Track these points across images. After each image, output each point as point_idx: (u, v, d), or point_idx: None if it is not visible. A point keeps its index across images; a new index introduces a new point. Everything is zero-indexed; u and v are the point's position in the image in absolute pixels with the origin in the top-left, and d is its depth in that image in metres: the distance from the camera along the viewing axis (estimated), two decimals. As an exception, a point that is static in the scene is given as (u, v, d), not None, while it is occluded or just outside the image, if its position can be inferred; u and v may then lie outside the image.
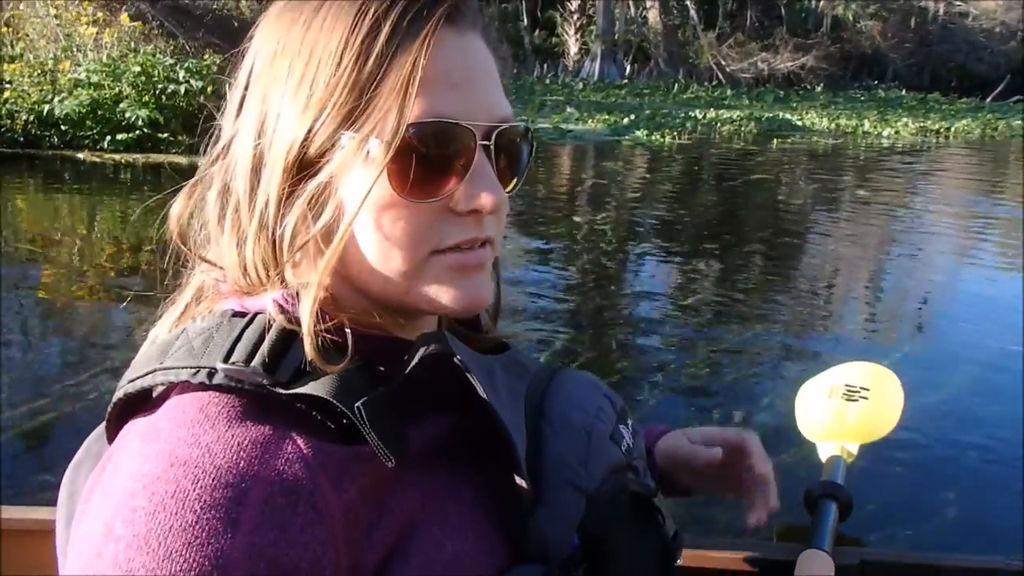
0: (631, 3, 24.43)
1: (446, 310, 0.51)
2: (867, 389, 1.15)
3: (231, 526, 0.39)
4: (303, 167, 0.48)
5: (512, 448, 0.48)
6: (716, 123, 13.75)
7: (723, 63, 23.10)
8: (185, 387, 0.46)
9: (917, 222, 6.88)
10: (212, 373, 0.45)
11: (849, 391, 1.15)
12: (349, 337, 0.47)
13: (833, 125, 14.73)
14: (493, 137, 0.50)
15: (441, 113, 0.48)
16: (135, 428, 0.46)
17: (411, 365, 0.47)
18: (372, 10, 0.47)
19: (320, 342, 0.46)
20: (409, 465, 0.46)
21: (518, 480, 0.49)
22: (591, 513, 0.51)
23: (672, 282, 4.93)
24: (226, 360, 0.45)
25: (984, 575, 0.95)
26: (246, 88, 0.51)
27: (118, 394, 0.48)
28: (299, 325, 0.47)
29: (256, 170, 0.49)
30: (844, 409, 1.14)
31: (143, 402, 0.48)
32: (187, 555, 0.38)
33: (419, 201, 0.48)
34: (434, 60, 0.47)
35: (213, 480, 0.40)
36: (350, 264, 0.50)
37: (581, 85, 21.09)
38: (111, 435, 0.49)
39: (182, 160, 7.69)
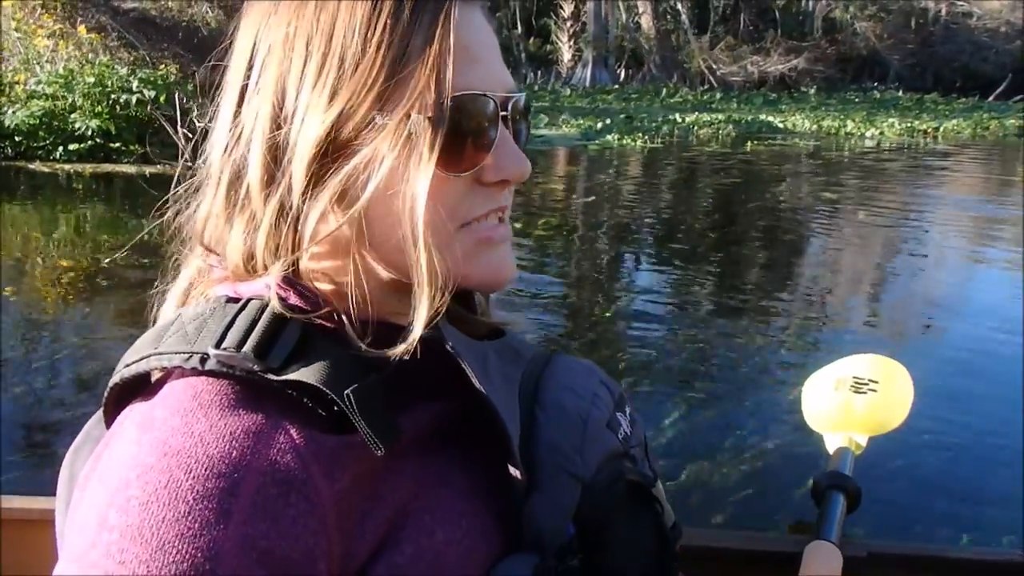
0: (623, 9, 24.38)
1: (476, 284, 0.52)
2: (875, 382, 1.13)
3: (223, 517, 0.39)
4: (334, 150, 0.47)
5: (506, 435, 0.48)
6: (694, 126, 13.64)
7: (714, 67, 22.95)
8: (180, 373, 0.46)
9: (849, 220, 6.81)
10: (204, 359, 0.45)
11: (857, 383, 1.13)
12: (347, 324, 0.47)
13: (815, 127, 14.56)
14: (510, 106, 0.51)
15: (470, 85, 0.48)
16: (131, 415, 0.46)
17: (400, 351, 0.47)
18: None
19: (313, 327, 0.47)
20: (401, 453, 0.46)
21: (512, 467, 0.48)
22: (587, 501, 0.50)
23: (607, 281, 4.83)
24: (218, 345, 0.45)
25: (991, 567, 0.93)
26: (248, 78, 0.50)
27: (115, 379, 0.48)
28: (292, 311, 0.47)
29: (275, 158, 0.48)
30: (851, 401, 1.11)
31: (142, 386, 0.48)
32: (180, 546, 0.38)
33: (455, 174, 0.48)
34: (458, 34, 0.48)
35: (206, 470, 0.40)
36: (376, 243, 0.49)
37: (568, 91, 21.05)
38: (109, 419, 0.49)
39: (131, 169, 7.67)
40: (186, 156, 0.55)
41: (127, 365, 0.48)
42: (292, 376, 0.44)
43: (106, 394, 0.49)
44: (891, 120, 15.53)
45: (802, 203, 7.79)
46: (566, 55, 24.93)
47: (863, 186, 8.69)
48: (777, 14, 25.94)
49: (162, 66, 9.10)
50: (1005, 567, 0.93)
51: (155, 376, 0.48)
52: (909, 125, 15.16)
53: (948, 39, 32.90)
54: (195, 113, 7.46)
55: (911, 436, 2.45)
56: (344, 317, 0.47)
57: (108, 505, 0.40)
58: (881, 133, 14.25)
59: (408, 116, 0.46)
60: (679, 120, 14.14)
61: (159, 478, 0.40)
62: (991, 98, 24.78)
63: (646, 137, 12.13)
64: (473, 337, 0.53)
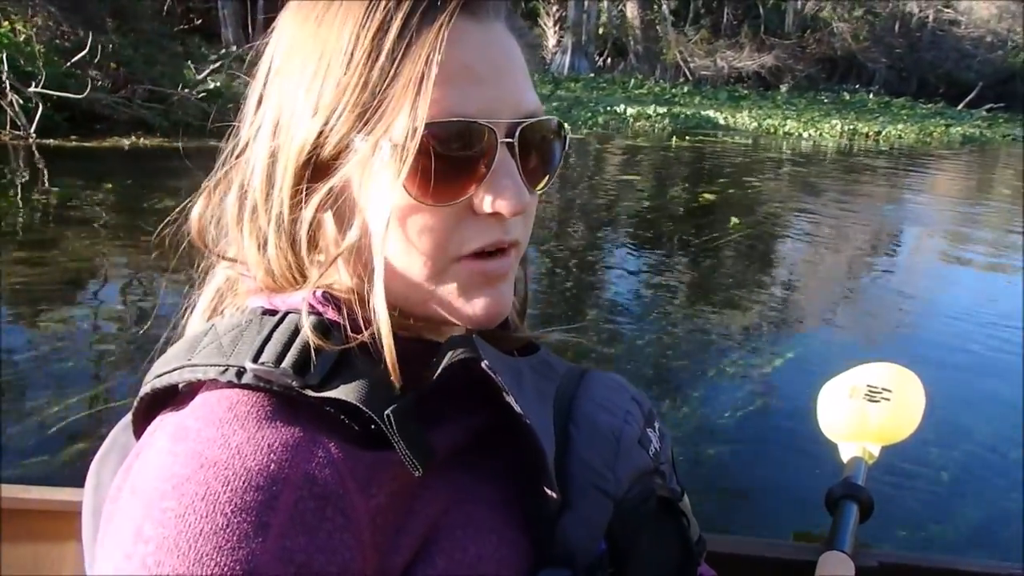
0: (605, -3, 24.52)
1: (467, 321, 0.50)
2: (889, 390, 1.15)
3: (261, 530, 0.39)
4: (316, 169, 0.48)
5: (540, 452, 0.48)
6: (631, 119, 13.98)
7: (688, 60, 23.23)
8: (213, 384, 0.46)
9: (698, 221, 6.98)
10: (241, 372, 0.45)
11: (871, 391, 1.15)
12: (387, 342, 0.47)
13: (756, 125, 14.93)
14: (517, 134, 0.48)
15: (459, 111, 0.46)
16: (163, 425, 0.46)
17: (439, 371, 0.47)
18: (384, 4, 0.46)
19: (350, 342, 0.47)
20: (435, 468, 0.46)
21: (545, 484, 0.48)
22: (618, 518, 0.51)
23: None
24: (255, 360, 0.45)
25: None
26: (264, 85, 0.50)
27: (145, 388, 0.48)
28: (329, 327, 0.47)
29: (272, 171, 0.49)
30: (866, 410, 1.13)
31: (170, 397, 0.49)
32: (217, 559, 0.38)
33: (438, 205, 0.47)
34: (452, 54, 0.45)
35: (244, 483, 0.40)
36: (374, 269, 0.48)
37: (535, 77, 21.21)
38: (138, 430, 0.49)
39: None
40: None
41: (158, 376, 0.48)
42: (332, 394, 0.44)
43: (136, 404, 0.49)
44: (834, 122, 15.90)
45: (668, 199, 7.97)
46: (551, 40, 25.14)
47: (749, 186, 8.98)
48: (761, 10, 26.13)
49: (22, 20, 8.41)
50: None
51: (182, 387, 0.48)
52: (851, 128, 15.55)
53: (934, 45, 32.99)
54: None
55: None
56: (380, 334, 0.47)
57: (143, 517, 0.40)
58: (820, 135, 14.64)
59: (381, 141, 0.45)
60: (620, 112, 14.51)
61: (195, 490, 0.40)
62: (961, 106, 24.98)
63: (575, 127, 12.44)
64: (506, 352, 0.53)
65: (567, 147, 0.54)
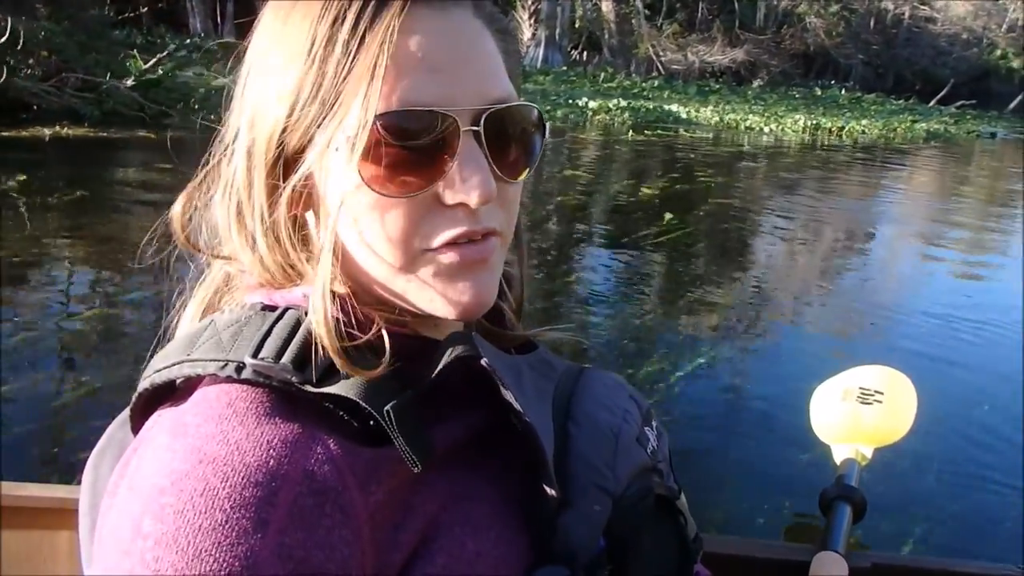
0: (579, -10, 24.40)
1: (448, 311, 0.49)
2: (881, 393, 1.17)
3: (261, 526, 0.39)
4: (286, 165, 0.47)
5: (540, 449, 0.48)
6: (589, 113, 13.89)
7: (660, 55, 23.16)
8: (211, 379, 0.46)
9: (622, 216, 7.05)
10: (240, 368, 0.45)
11: (864, 394, 1.17)
12: (385, 337, 0.47)
13: (717, 119, 14.88)
14: (483, 121, 0.47)
15: (415, 100, 0.45)
16: (161, 421, 0.46)
17: (439, 368, 0.47)
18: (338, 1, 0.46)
19: (348, 339, 0.46)
20: (434, 465, 0.46)
21: (545, 482, 0.48)
22: (618, 515, 0.51)
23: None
24: (255, 355, 0.45)
25: None
26: (244, 84, 0.50)
27: (144, 384, 0.48)
28: (329, 322, 0.46)
29: (250, 168, 0.49)
30: (858, 412, 1.15)
31: (167, 392, 0.48)
32: (216, 554, 0.38)
33: (400, 196, 0.46)
34: (407, 43, 0.45)
35: (243, 479, 0.40)
36: (351, 264, 0.49)
37: (506, 70, 21.05)
38: (136, 425, 0.49)
39: None
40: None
41: (157, 371, 0.48)
42: (331, 390, 0.44)
43: (134, 399, 0.49)
44: (797, 117, 15.87)
45: (607, 195, 7.89)
46: (525, 33, 25.00)
47: (698, 181, 8.91)
48: (736, 6, 26.11)
49: None
50: None
51: (179, 382, 0.48)
52: (815, 123, 15.53)
53: (910, 42, 33.15)
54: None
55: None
56: (383, 330, 0.47)
57: (142, 513, 0.40)
58: (782, 129, 14.60)
59: (335, 134, 0.45)
60: (581, 105, 14.42)
61: (195, 485, 0.39)
62: (933, 102, 25.08)
63: None
64: (505, 350, 0.53)
65: (545, 134, 0.53)
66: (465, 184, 0.46)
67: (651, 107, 15.22)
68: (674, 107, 15.61)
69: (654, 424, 0.61)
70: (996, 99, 27.93)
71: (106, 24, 11.72)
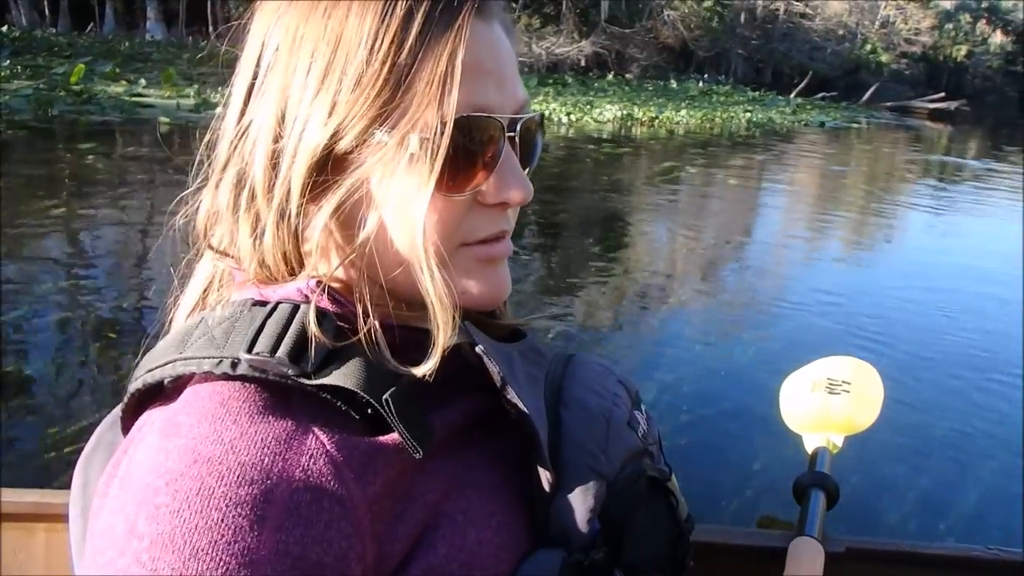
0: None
1: (474, 302, 0.51)
2: (848, 383, 1.18)
3: (258, 523, 0.38)
4: (332, 163, 0.47)
5: (535, 434, 0.49)
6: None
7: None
8: (202, 378, 0.46)
9: None
10: (235, 363, 0.44)
11: (831, 384, 1.17)
12: (378, 327, 0.47)
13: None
14: (518, 128, 0.49)
15: (477, 106, 0.47)
16: (151, 421, 0.45)
17: (436, 356, 0.47)
18: (403, 1, 0.46)
19: (344, 332, 0.47)
20: (432, 454, 0.46)
21: (540, 466, 0.49)
22: (612, 498, 0.52)
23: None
24: (249, 350, 0.44)
25: (962, 563, 1.00)
26: (255, 77, 0.49)
27: (136, 384, 0.47)
28: (325, 315, 0.47)
29: (275, 164, 0.48)
30: (827, 402, 1.15)
31: (156, 393, 0.48)
32: (213, 553, 0.37)
33: (451, 195, 0.47)
34: (470, 49, 0.46)
35: (238, 477, 0.39)
36: (378, 257, 0.48)
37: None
38: (126, 426, 0.49)
39: None
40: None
41: (149, 370, 0.46)
42: (328, 380, 0.44)
43: (126, 399, 0.48)
44: (609, 107, 15.44)
45: None
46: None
47: None
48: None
49: None
50: (972, 562, 0.99)
51: (168, 382, 0.47)
52: (628, 113, 15.12)
53: (787, 37, 33.65)
54: None
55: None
56: (375, 322, 0.47)
57: (136, 513, 0.39)
58: (585, 119, 14.14)
59: (409, 135, 0.45)
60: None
61: (190, 485, 0.39)
62: (794, 94, 25.24)
63: None
64: (495, 338, 0.52)
65: (541, 142, 0.55)
66: (508, 186, 0.49)
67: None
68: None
69: (643, 407, 0.61)
70: (865, 91, 28.38)
71: None
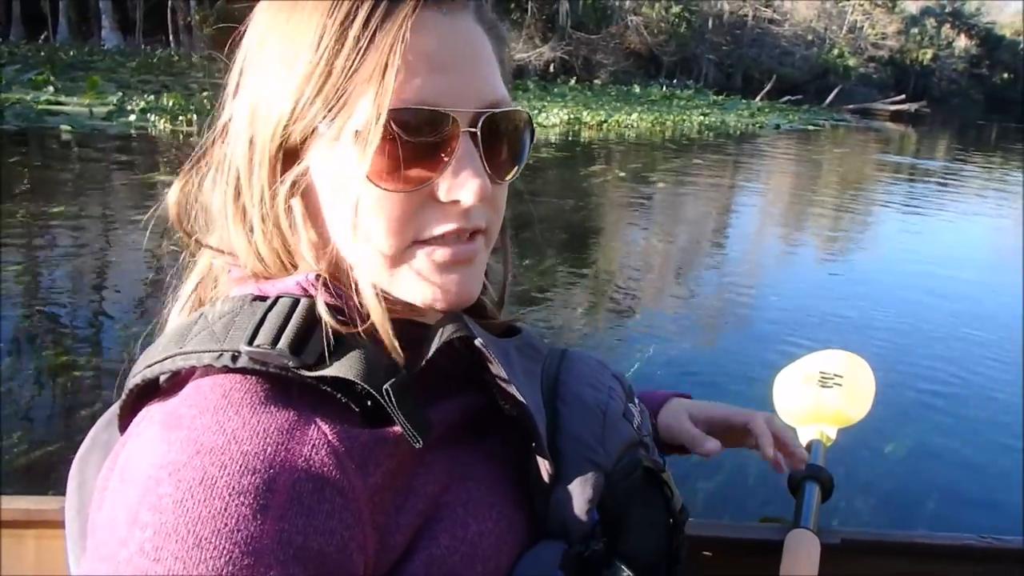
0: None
1: (431, 302, 0.50)
2: (840, 376, 1.16)
3: (260, 512, 0.39)
4: (287, 155, 0.48)
5: (534, 427, 0.49)
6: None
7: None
8: (203, 372, 0.46)
9: None
10: (236, 356, 0.45)
11: (824, 378, 1.16)
12: (378, 322, 0.47)
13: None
14: (480, 123, 0.48)
15: (422, 99, 0.46)
16: (150, 416, 0.45)
17: (433, 348, 0.47)
18: None
19: (344, 324, 0.47)
20: (431, 446, 0.47)
21: (540, 459, 0.50)
22: (610, 489, 0.52)
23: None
24: (250, 342, 0.45)
25: (956, 552, 1.01)
26: (240, 75, 0.51)
27: (135, 380, 0.47)
28: (324, 309, 0.47)
29: (251, 156, 0.49)
30: (821, 395, 1.14)
31: (151, 390, 0.48)
32: (216, 542, 0.37)
33: (399, 191, 0.47)
34: (416, 43, 0.46)
35: (240, 467, 0.40)
36: (343, 253, 0.49)
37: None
38: (123, 423, 0.48)
39: None
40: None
41: (149, 365, 0.47)
42: (328, 372, 0.44)
43: (125, 396, 0.48)
44: (556, 111, 15.30)
45: None
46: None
47: None
48: (567, 5, 25.74)
49: None
50: (967, 551, 1.00)
51: (164, 379, 0.47)
52: (575, 117, 14.99)
53: (756, 42, 33.74)
54: None
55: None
56: (373, 316, 0.47)
57: (139, 504, 0.39)
58: (538, 124, 13.98)
59: (344, 127, 0.46)
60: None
61: (193, 475, 0.39)
62: (759, 97, 25.23)
63: (189, 118, 10.24)
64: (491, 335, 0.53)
65: (534, 138, 0.54)
66: (461, 183, 0.48)
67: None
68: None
69: (636, 400, 0.62)
70: (829, 94, 28.42)
71: None
